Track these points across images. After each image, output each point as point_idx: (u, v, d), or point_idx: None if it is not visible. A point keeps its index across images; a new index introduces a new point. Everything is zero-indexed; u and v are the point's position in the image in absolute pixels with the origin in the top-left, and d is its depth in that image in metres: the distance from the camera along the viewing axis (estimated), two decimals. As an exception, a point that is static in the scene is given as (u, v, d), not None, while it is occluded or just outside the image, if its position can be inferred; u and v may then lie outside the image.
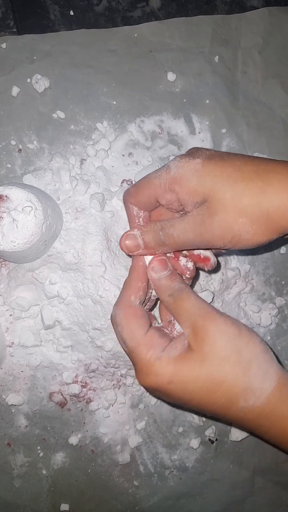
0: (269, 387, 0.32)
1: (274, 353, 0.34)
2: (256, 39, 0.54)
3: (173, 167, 0.34)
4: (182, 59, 0.52)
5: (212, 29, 0.53)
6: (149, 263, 0.36)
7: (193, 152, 0.35)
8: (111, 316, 0.36)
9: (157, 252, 0.36)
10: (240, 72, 0.53)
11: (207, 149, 0.36)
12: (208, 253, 0.37)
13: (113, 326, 0.36)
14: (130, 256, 0.38)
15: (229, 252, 0.50)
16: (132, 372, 0.49)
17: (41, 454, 0.50)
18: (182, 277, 0.37)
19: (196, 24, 0.53)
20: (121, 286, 0.45)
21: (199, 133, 0.53)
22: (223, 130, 0.53)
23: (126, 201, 0.38)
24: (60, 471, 0.50)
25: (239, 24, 0.53)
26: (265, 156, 0.52)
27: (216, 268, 0.43)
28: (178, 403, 0.34)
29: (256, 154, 0.52)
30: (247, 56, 0.53)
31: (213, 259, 0.37)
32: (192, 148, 0.36)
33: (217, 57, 0.53)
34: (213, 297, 0.49)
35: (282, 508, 0.54)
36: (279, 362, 0.35)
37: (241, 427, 0.34)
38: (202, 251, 0.37)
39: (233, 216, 0.32)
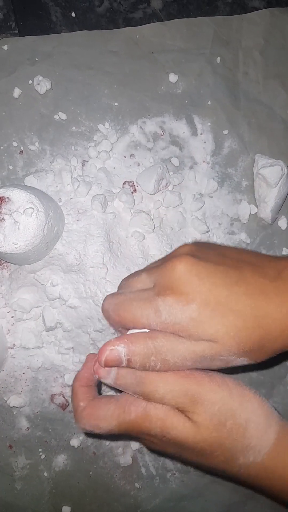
0: (268, 442, 0.31)
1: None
2: (257, 40, 0.53)
3: (164, 312, 0.30)
4: (184, 60, 0.52)
5: (213, 30, 0.53)
6: (97, 358, 0.32)
7: (183, 292, 0.30)
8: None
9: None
10: (241, 73, 0.53)
11: (200, 273, 0.31)
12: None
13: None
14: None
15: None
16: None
17: (43, 456, 0.50)
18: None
19: (197, 25, 0.53)
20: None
21: (201, 134, 0.53)
22: (225, 131, 0.53)
23: (107, 318, 0.34)
24: (62, 473, 0.50)
25: (240, 25, 0.53)
26: (266, 157, 0.52)
27: None
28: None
29: (257, 156, 0.52)
30: (248, 57, 0.53)
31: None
32: (184, 266, 0.31)
33: (218, 58, 0.53)
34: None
35: (284, 510, 0.54)
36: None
37: (243, 483, 0.33)
38: None
39: (235, 357, 0.31)
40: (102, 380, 0.33)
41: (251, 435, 0.31)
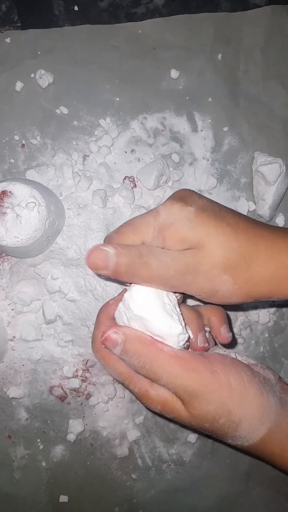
0: (257, 436, 0.33)
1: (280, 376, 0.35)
2: (258, 38, 0.54)
3: (163, 213, 0.33)
4: (185, 56, 0.53)
5: (215, 27, 0.53)
6: (101, 335, 0.33)
7: (185, 198, 0.33)
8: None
9: (124, 279, 0.32)
10: (242, 71, 0.54)
11: (198, 195, 0.34)
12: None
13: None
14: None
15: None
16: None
17: (41, 447, 0.51)
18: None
19: (199, 21, 0.53)
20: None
21: (201, 131, 0.53)
22: (225, 129, 0.53)
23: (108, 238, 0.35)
24: (60, 464, 0.51)
25: (241, 22, 0.53)
26: (265, 155, 0.52)
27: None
28: None
29: (256, 153, 0.53)
30: (249, 55, 0.54)
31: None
32: (182, 191, 0.35)
33: (219, 55, 0.53)
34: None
35: (277, 502, 0.55)
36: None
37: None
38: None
39: (219, 271, 0.32)
40: (110, 348, 0.33)
41: (242, 430, 0.32)
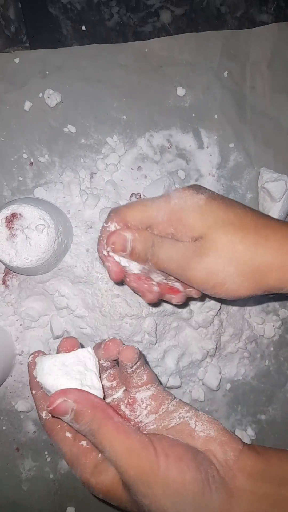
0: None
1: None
2: (265, 54, 0.54)
3: (175, 198, 0.34)
4: (192, 74, 0.53)
5: (221, 44, 0.53)
6: (47, 405, 0.30)
7: (196, 188, 0.35)
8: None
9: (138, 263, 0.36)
10: (249, 87, 0.54)
11: (209, 189, 0.35)
12: (179, 286, 0.36)
13: None
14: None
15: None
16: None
17: (49, 459, 0.52)
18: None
19: (205, 39, 0.53)
20: (129, 300, 0.46)
21: (207, 147, 0.53)
22: (231, 145, 0.54)
23: (111, 218, 0.36)
24: (67, 475, 0.52)
25: (248, 39, 0.54)
26: (271, 171, 0.53)
27: (183, 304, 0.41)
28: None
29: (262, 170, 0.53)
30: (255, 71, 0.54)
31: (182, 294, 0.36)
32: (194, 184, 0.36)
33: (226, 72, 0.54)
34: (219, 309, 0.50)
35: None
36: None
37: None
38: (175, 283, 0.36)
39: (223, 263, 0.32)
40: (59, 416, 0.30)
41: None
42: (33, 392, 0.35)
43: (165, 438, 0.30)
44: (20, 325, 0.50)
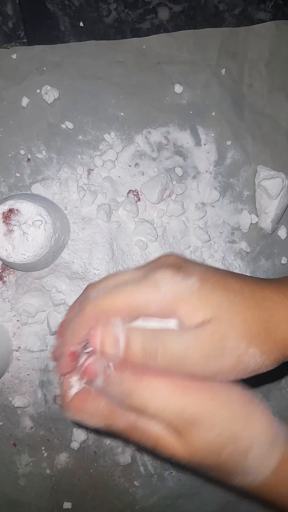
0: (268, 468, 0.28)
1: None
2: (263, 52, 0.54)
3: (163, 285, 0.27)
4: (190, 71, 0.53)
5: (219, 41, 0.53)
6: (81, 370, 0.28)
7: (180, 266, 0.29)
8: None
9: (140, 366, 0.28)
10: (246, 85, 0.54)
11: (190, 261, 0.30)
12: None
13: None
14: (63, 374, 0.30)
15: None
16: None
17: (45, 455, 0.52)
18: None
19: (204, 36, 0.53)
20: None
21: (205, 144, 0.54)
22: (228, 142, 0.54)
23: (82, 313, 0.29)
24: (64, 471, 0.52)
25: (246, 37, 0.54)
26: (268, 169, 0.53)
27: None
28: None
29: (259, 167, 0.53)
30: (253, 69, 0.54)
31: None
32: (169, 256, 0.30)
33: (224, 69, 0.54)
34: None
35: (277, 508, 0.56)
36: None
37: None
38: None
39: (246, 345, 0.27)
40: (90, 382, 0.29)
41: (251, 461, 0.28)
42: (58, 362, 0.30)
43: None
44: (17, 321, 0.50)
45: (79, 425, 0.52)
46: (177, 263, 0.29)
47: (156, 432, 0.28)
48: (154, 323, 0.28)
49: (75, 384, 0.30)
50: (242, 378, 0.29)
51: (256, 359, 0.28)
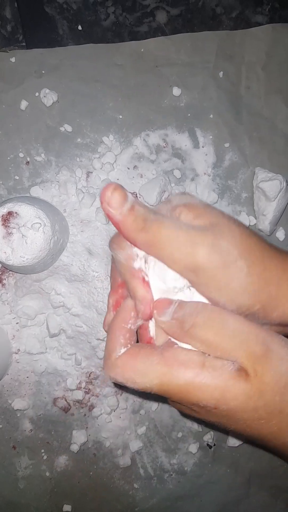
0: None
1: None
2: (260, 55, 0.54)
3: (175, 199, 0.29)
4: (187, 74, 0.53)
5: (217, 44, 0.54)
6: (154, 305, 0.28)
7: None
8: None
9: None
10: (244, 87, 0.55)
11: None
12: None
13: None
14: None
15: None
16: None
17: (45, 457, 0.52)
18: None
19: (201, 39, 0.53)
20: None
21: (203, 147, 0.54)
22: (226, 144, 0.54)
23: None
24: (63, 473, 0.52)
25: (243, 40, 0.54)
26: (266, 171, 0.53)
27: None
28: (218, 420, 0.28)
29: (257, 169, 0.54)
30: (251, 71, 0.54)
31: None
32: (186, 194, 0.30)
33: (221, 72, 0.54)
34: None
35: (277, 509, 0.56)
36: None
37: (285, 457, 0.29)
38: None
39: (236, 254, 0.27)
40: (157, 317, 0.28)
41: None
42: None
43: None
44: (17, 323, 0.50)
45: (78, 428, 0.52)
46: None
47: (224, 382, 0.26)
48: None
49: (151, 328, 0.29)
50: (219, 300, 0.27)
51: (241, 277, 0.26)
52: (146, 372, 0.27)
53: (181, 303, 0.27)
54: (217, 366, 0.26)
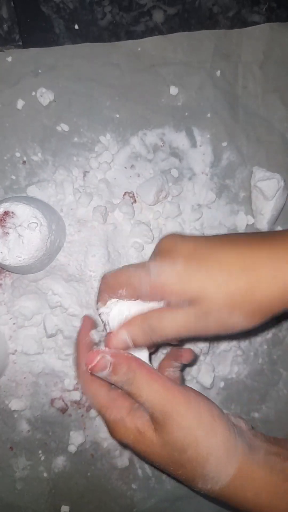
0: (226, 477, 0.31)
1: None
2: (256, 54, 0.54)
3: (153, 271, 0.33)
4: (184, 73, 0.53)
5: (214, 44, 0.53)
6: (86, 363, 0.34)
7: (170, 251, 0.33)
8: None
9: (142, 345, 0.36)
10: (241, 87, 0.54)
11: (182, 240, 0.34)
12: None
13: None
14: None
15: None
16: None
17: (43, 458, 0.52)
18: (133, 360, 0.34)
19: (198, 39, 0.53)
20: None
21: (200, 146, 0.54)
22: (224, 144, 0.54)
23: (101, 292, 0.36)
24: (61, 474, 0.52)
25: (240, 39, 0.54)
26: (263, 170, 0.53)
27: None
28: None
29: (255, 168, 0.54)
30: (247, 70, 0.54)
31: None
32: (165, 241, 0.35)
33: (218, 71, 0.54)
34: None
35: None
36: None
37: None
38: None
39: (227, 313, 0.32)
40: (97, 374, 0.33)
41: (210, 468, 0.31)
42: (80, 343, 0.38)
43: (187, 386, 0.35)
44: (13, 324, 0.50)
45: (76, 429, 0.52)
46: (169, 248, 0.34)
47: (137, 426, 0.33)
48: (151, 304, 0.34)
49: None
50: (229, 334, 0.33)
51: (241, 319, 0.32)
52: (94, 397, 0.35)
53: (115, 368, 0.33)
54: (137, 415, 0.33)
